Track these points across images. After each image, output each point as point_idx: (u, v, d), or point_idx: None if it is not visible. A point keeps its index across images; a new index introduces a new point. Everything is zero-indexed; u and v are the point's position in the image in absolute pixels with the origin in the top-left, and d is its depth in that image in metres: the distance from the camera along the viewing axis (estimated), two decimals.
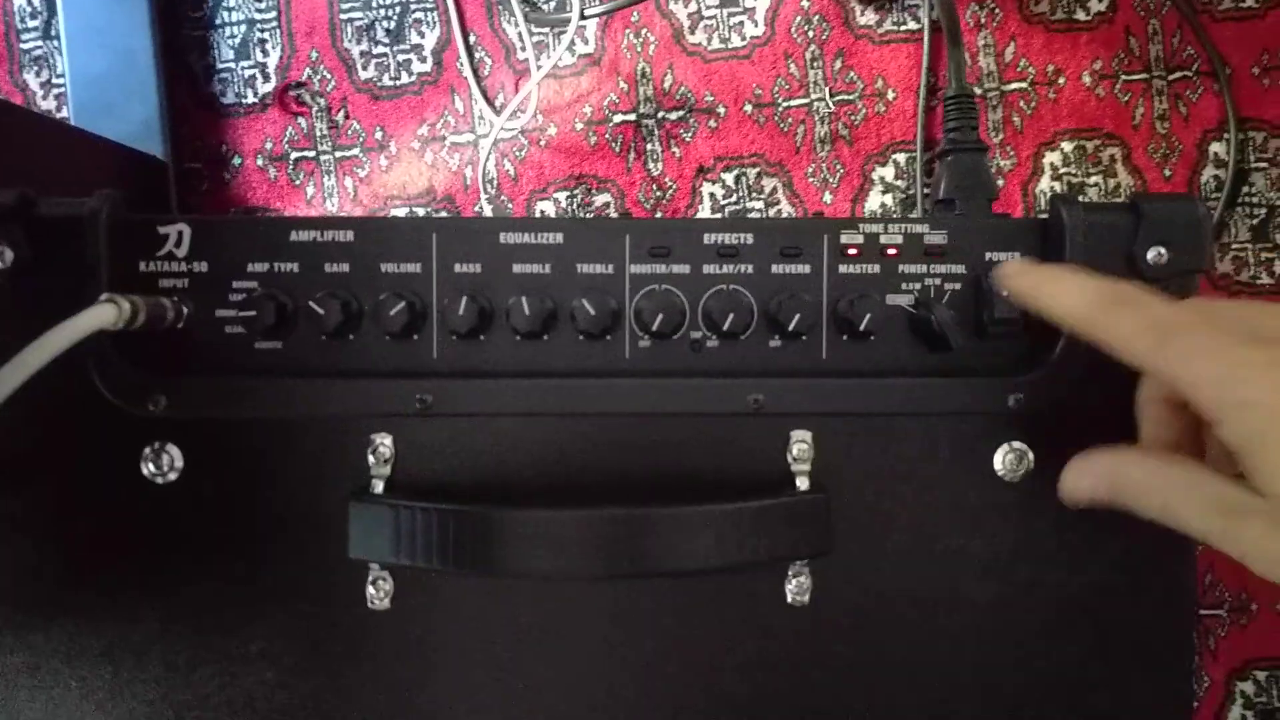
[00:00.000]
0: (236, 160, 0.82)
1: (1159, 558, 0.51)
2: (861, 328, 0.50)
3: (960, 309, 0.51)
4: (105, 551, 0.50)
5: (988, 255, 0.51)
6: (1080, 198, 0.75)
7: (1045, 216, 0.52)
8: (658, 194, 0.81)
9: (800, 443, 0.50)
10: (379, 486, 0.49)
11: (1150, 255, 0.50)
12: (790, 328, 0.50)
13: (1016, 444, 0.51)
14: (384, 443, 0.50)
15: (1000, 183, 0.79)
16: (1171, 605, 0.52)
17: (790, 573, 0.50)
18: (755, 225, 0.51)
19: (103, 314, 0.44)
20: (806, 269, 0.51)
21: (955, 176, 0.59)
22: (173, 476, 0.50)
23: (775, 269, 0.51)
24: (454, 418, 0.50)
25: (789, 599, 0.50)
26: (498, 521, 0.47)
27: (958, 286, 0.51)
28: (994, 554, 0.51)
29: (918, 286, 0.51)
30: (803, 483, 0.50)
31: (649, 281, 0.51)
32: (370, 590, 0.50)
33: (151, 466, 0.49)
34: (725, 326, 0.50)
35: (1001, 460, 0.51)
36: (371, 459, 0.50)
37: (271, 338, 0.50)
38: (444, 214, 0.81)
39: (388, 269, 0.50)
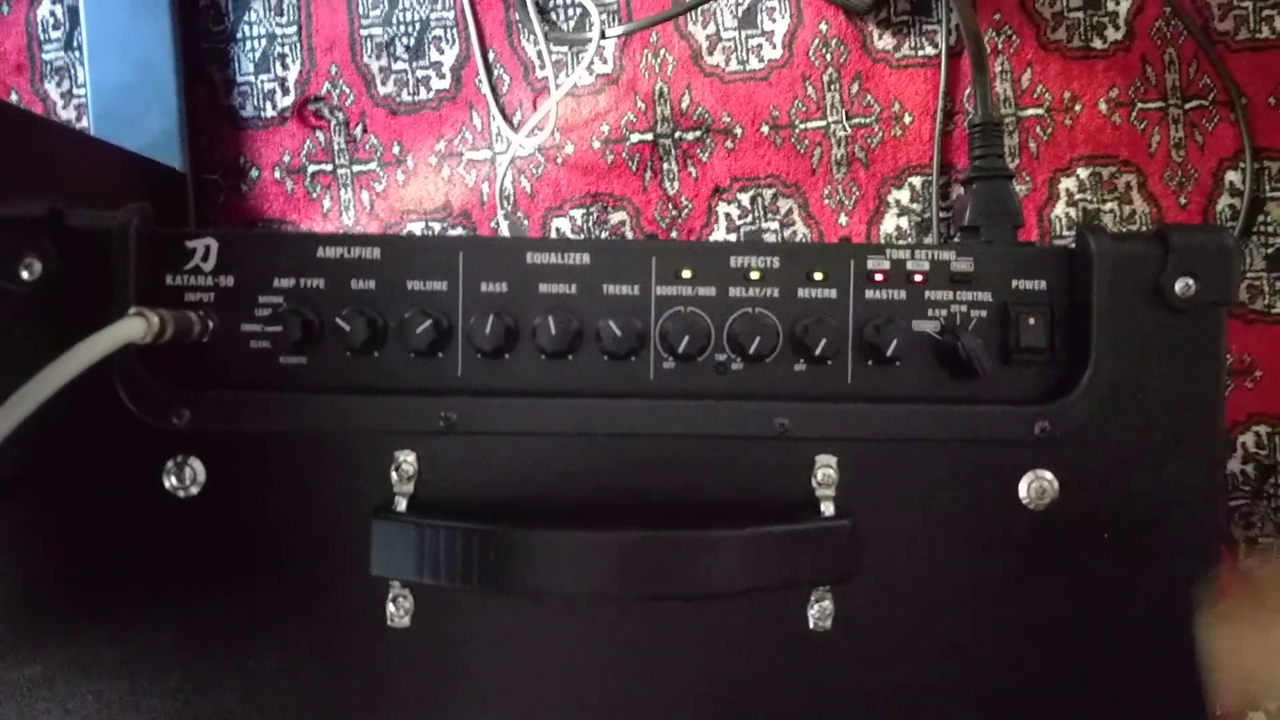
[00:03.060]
0: (254, 172, 0.82)
1: (1187, 590, 0.51)
2: (887, 353, 0.49)
3: (986, 336, 0.51)
4: (126, 564, 0.49)
5: (1014, 283, 0.51)
6: (1096, 223, 0.75)
7: (1072, 245, 0.52)
8: (673, 213, 0.80)
9: (825, 468, 0.50)
10: (402, 504, 0.49)
11: (1178, 286, 0.50)
12: (816, 352, 0.49)
13: (1042, 472, 0.50)
14: (408, 460, 0.49)
15: None
16: (1195, 640, 0.51)
17: (813, 598, 0.50)
18: (782, 249, 0.51)
19: (132, 328, 0.43)
20: (832, 293, 0.51)
21: (981, 203, 0.59)
22: (195, 490, 0.49)
23: (801, 293, 0.51)
24: (478, 436, 0.49)
25: (811, 624, 0.50)
26: (520, 541, 0.46)
27: (984, 314, 0.51)
28: (1018, 582, 0.50)
29: (944, 313, 0.51)
30: (827, 508, 0.49)
31: (674, 303, 0.50)
32: (391, 608, 0.49)
33: (174, 480, 0.49)
34: (750, 350, 0.49)
35: (1027, 488, 0.50)
36: (395, 476, 0.49)
37: (297, 353, 0.50)
38: (470, 233, 0.80)
39: (414, 286, 0.50)
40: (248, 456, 0.49)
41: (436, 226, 0.81)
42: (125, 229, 0.47)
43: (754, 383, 0.51)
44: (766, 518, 0.48)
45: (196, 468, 0.49)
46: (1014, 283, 0.51)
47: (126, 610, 0.49)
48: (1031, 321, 0.50)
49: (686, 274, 0.50)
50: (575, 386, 0.50)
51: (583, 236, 0.80)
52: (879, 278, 0.51)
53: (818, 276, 0.51)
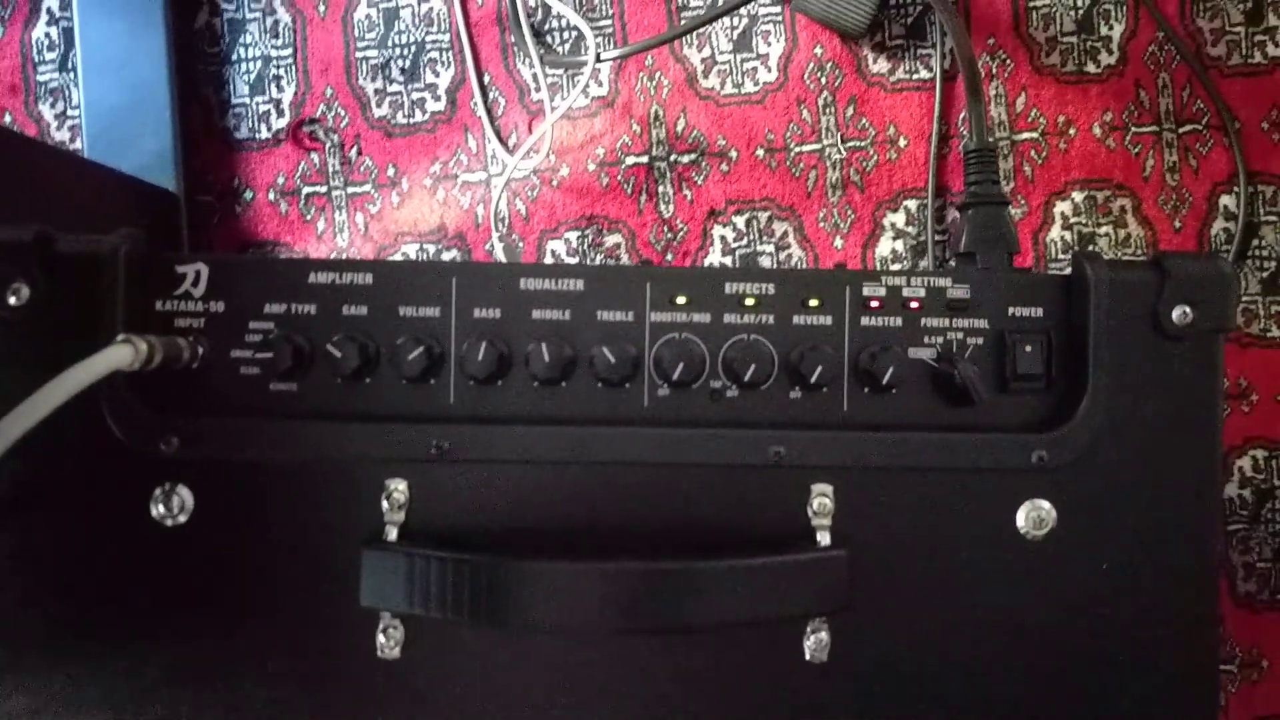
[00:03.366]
0: (248, 194, 0.81)
1: (1183, 619, 0.50)
2: (883, 381, 0.49)
3: (983, 363, 0.50)
4: (111, 594, 0.48)
5: (1010, 310, 0.50)
6: (1091, 248, 0.75)
7: (1068, 272, 0.51)
8: (668, 236, 0.80)
9: (821, 496, 0.49)
10: (393, 533, 0.48)
11: (1175, 314, 0.49)
12: (811, 379, 0.48)
13: (1039, 501, 0.49)
14: (399, 488, 0.48)
15: None
16: (1196, 667, 0.51)
17: (809, 629, 0.49)
18: (777, 275, 0.50)
19: (119, 355, 0.43)
20: (828, 320, 0.50)
21: (977, 229, 0.58)
22: (183, 519, 0.48)
23: (796, 319, 0.50)
24: (470, 464, 0.49)
25: (807, 655, 0.49)
26: (513, 572, 0.45)
27: (980, 341, 0.50)
28: (1015, 613, 0.50)
29: (940, 340, 0.50)
30: (823, 538, 0.48)
31: (669, 330, 0.50)
32: (380, 638, 0.48)
33: (161, 508, 0.48)
34: (745, 377, 0.49)
35: (1024, 517, 0.49)
36: (386, 505, 0.48)
37: (287, 380, 0.49)
38: (465, 257, 0.79)
39: (406, 312, 0.49)
40: (237, 484, 0.48)
41: (431, 249, 0.80)
42: (114, 254, 0.47)
43: (749, 410, 0.50)
44: (762, 548, 0.47)
45: (185, 496, 0.48)
46: (1010, 310, 0.50)
47: (111, 641, 0.48)
48: (1028, 349, 0.49)
49: (681, 300, 0.50)
50: (568, 414, 0.49)
51: (577, 261, 0.80)
52: (875, 304, 0.50)
53: (813, 303, 0.50)
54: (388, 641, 0.48)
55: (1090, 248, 0.78)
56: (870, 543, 0.49)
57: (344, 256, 0.81)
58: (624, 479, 0.49)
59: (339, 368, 0.48)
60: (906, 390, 0.50)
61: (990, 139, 0.71)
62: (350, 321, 0.49)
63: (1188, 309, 0.49)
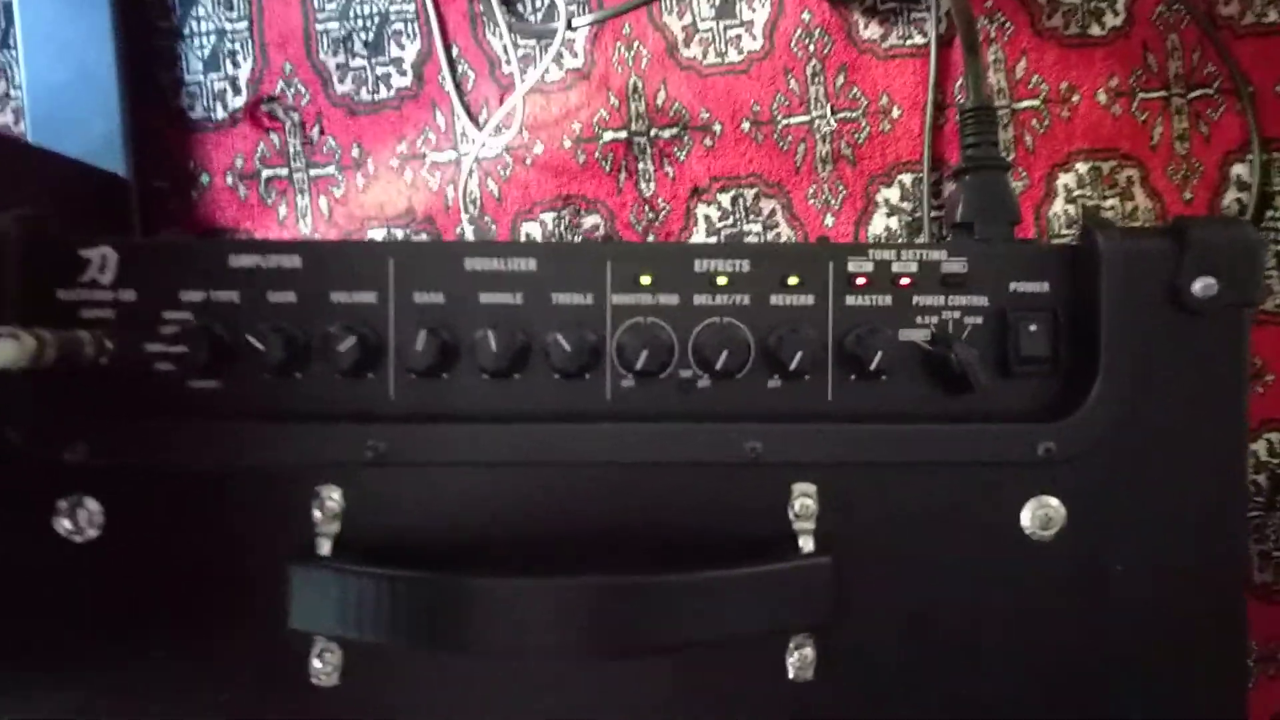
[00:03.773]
0: (205, 178, 0.75)
1: (1208, 625, 0.44)
2: (871, 367, 0.43)
3: (982, 345, 0.45)
4: (15, 619, 0.43)
5: (1012, 285, 0.45)
6: (1104, 217, 0.69)
7: (1077, 242, 0.45)
8: (650, 216, 0.74)
9: (803, 497, 0.43)
10: (325, 547, 0.42)
11: (1197, 287, 0.43)
12: (791, 366, 0.43)
13: (1047, 498, 0.44)
14: (332, 496, 0.42)
15: None
16: (1222, 678, 0.45)
17: (792, 645, 0.43)
18: (752, 251, 0.44)
19: (1, 351, 0.36)
20: (809, 300, 0.45)
21: (974, 197, 0.52)
22: (92, 534, 0.42)
23: (774, 300, 0.45)
24: (412, 467, 0.43)
25: (790, 673, 0.43)
26: (462, 591, 0.40)
27: (979, 320, 0.45)
28: (1021, 622, 0.44)
29: (934, 320, 0.45)
30: (806, 543, 0.42)
31: (633, 313, 0.44)
32: (315, 664, 0.42)
33: (67, 523, 0.42)
34: (718, 365, 0.43)
35: (1030, 516, 0.44)
36: (318, 515, 0.42)
37: (207, 376, 0.43)
38: (404, 237, 0.73)
39: (339, 299, 0.43)
40: (152, 494, 0.43)
41: (400, 234, 0.74)
42: (4, 238, 0.41)
43: (723, 402, 0.44)
44: (738, 556, 0.42)
45: (93, 509, 0.42)
46: (1012, 285, 0.45)
47: (16, 672, 0.42)
48: (1032, 328, 0.44)
49: (645, 280, 0.44)
50: (522, 409, 0.44)
51: (539, 240, 0.74)
52: (861, 281, 0.44)
53: (792, 281, 0.44)
54: (324, 667, 0.42)
55: (1104, 217, 0.72)
56: (858, 548, 0.44)
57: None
58: (584, 481, 0.43)
59: (264, 361, 0.42)
60: (897, 377, 0.45)
61: (989, 99, 0.64)
62: (276, 310, 0.43)
63: (1210, 281, 0.43)
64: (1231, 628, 0.45)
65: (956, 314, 0.45)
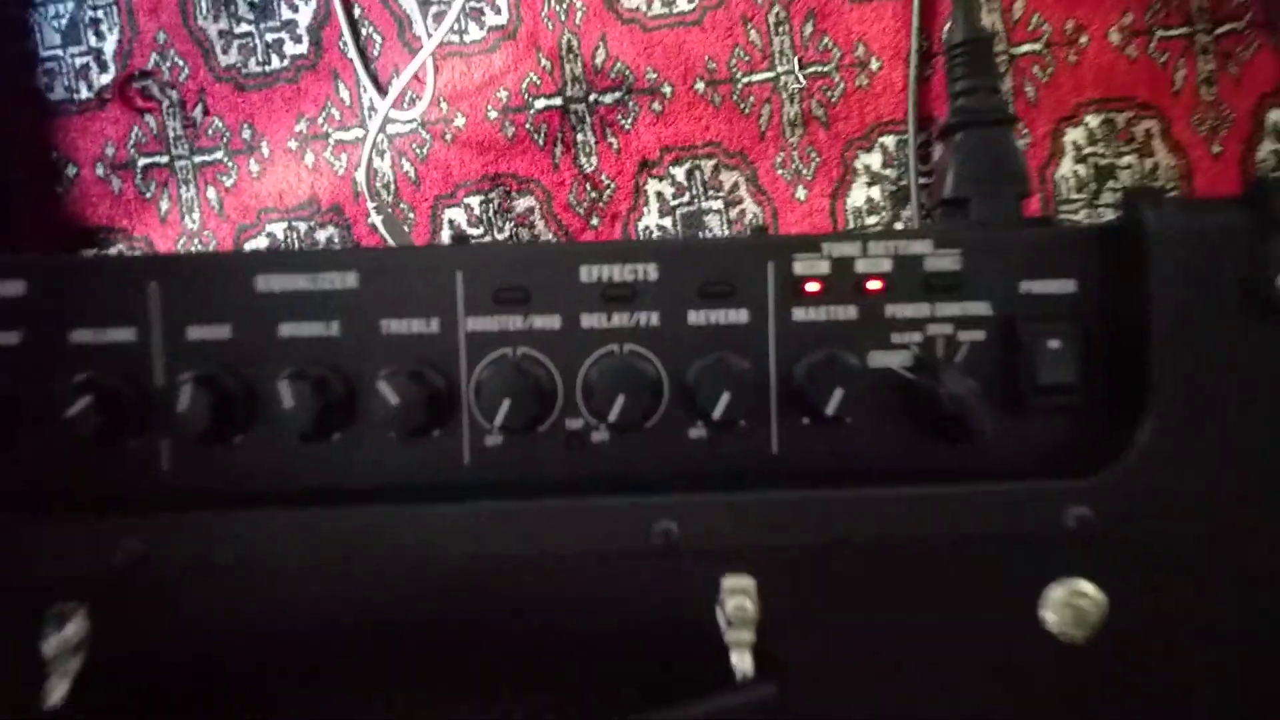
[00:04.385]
0: (71, 170, 0.64)
1: None
2: (829, 408, 0.30)
3: (984, 371, 0.32)
4: None
5: (1023, 286, 0.32)
6: (1152, 186, 0.56)
7: (1112, 221, 0.31)
8: (592, 195, 0.63)
9: (738, 596, 0.29)
10: (57, 694, 0.28)
11: None
12: (718, 412, 0.29)
13: (1079, 583, 0.31)
14: (74, 622, 0.28)
15: None
16: None
17: None
18: (660, 248, 0.30)
19: None
20: (742, 316, 0.31)
21: (968, 164, 0.38)
22: None
23: (693, 318, 0.31)
24: (185, 574, 0.29)
25: None
26: None
27: (979, 336, 0.32)
28: None
29: (917, 338, 0.32)
30: (741, 661, 0.28)
31: (496, 343, 0.30)
32: None
33: None
34: (616, 411, 0.29)
35: (1056, 611, 0.30)
36: (51, 647, 0.28)
37: None
38: (342, 238, 0.62)
39: (81, 339, 0.29)
40: None
41: (302, 227, 0.63)
42: None
43: (624, 464, 0.30)
44: (646, 691, 0.27)
45: None
46: (1024, 285, 0.32)
47: None
48: (1053, 345, 0.32)
49: (513, 296, 0.29)
50: (341, 483, 0.30)
51: (481, 233, 0.61)
52: (813, 288, 0.31)
53: (718, 290, 0.30)
54: None
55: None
56: (816, 667, 0.29)
57: (195, 242, 0.62)
58: (429, 584, 0.29)
59: None
60: (865, 420, 0.32)
61: (984, 28, 0.51)
62: None
63: None
64: None
65: (948, 328, 0.32)
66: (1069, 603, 0.30)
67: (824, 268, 0.31)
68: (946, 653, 0.30)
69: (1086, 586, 0.30)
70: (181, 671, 0.29)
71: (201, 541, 0.29)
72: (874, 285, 0.31)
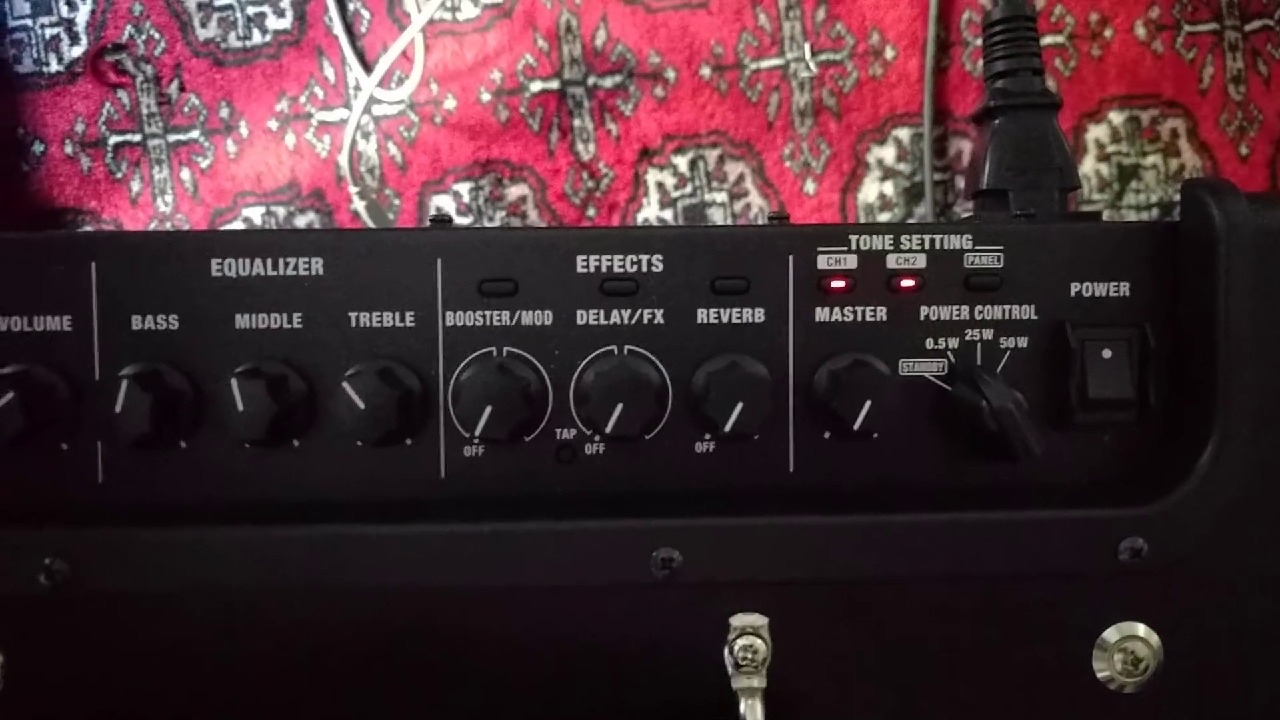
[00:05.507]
0: (38, 147, 0.61)
1: None
2: (856, 421, 0.27)
3: (1029, 382, 0.29)
4: None
5: (1073, 287, 0.29)
6: (1216, 179, 0.54)
7: (1171, 218, 0.28)
8: (589, 184, 0.61)
9: (748, 637, 0.25)
10: None
11: None
12: (729, 423, 0.26)
13: (1133, 626, 0.28)
14: None
15: None
16: None
17: None
18: (668, 237, 0.27)
19: None
20: (759, 315, 0.29)
21: (1009, 151, 0.35)
22: None
23: (703, 316, 0.28)
24: (117, 600, 0.25)
25: None
26: None
27: (1023, 342, 0.29)
28: None
29: (954, 344, 0.29)
30: (751, 713, 0.25)
31: (480, 340, 0.27)
32: None
33: None
34: (612, 422, 0.25)
35: (1109, 655, 0.26)
36: None
37: None
38: (323, 224, 0.58)
39: (12, 326, 0.26)
40: None
41: (281, 212, 0.61)
42: None
43: (621, 480, 0.27)
44: None
45: None
46: (1074, 287, 0.29)
47: None
48: (1106, 354, 0.29)
49: (499, 288, 0.26)
50: (299, 498, 0.26)
51: (470, 222, 0.58)
52: (839, 284, 0.27)
53: (732, 286, 0.26)
54: None
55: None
56: (838, 710, 0.25)
57: (167, 226, 0.60)
58: (397, 616, 0.26)
59: None
60: (895, 435, 0.29)
61: (1027, 5, 0.48)
62: None
63: None
64: None
65: (989, 333, 0.29)
66: (1120, 647, 0.26)
67: (851, 263, 0.28)
68: (982, 703, 0.26)
69: (1140, 627, 0.27)
70: (109, 714, 0.25)
71: (137, 563, 0.25)
72: (907, 283, 0.29)
